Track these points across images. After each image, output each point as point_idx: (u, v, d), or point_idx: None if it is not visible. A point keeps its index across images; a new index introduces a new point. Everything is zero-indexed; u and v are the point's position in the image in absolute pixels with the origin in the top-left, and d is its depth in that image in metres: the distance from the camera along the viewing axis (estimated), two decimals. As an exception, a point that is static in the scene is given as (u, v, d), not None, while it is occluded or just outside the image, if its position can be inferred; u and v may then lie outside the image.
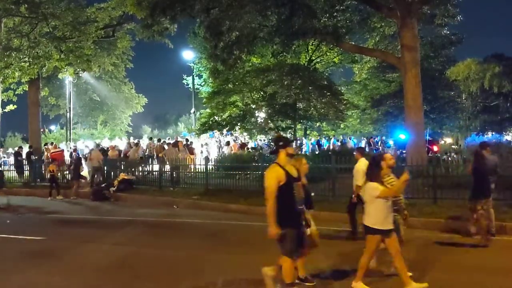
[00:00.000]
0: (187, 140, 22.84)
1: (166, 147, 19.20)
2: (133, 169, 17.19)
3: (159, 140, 22.84)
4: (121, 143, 26.26)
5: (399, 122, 21.60)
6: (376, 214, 5.33)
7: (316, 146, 24.94)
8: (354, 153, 9.29)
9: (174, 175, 16.08)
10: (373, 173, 5.49)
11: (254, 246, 8.14)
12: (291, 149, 5.24)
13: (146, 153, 20.95)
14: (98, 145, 21.80)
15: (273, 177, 4.87)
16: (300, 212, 5.18)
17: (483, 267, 6.40)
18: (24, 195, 16.55)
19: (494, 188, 8.32)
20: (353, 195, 8.16)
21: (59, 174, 17.78)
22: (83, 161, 18.14)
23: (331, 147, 24.92)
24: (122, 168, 17.33)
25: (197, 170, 15.96)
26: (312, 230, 7.67)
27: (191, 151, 19.79)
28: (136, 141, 22.45)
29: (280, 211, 4.84)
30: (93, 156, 17.58)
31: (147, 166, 17.81)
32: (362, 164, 7.84)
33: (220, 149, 23.34)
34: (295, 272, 5.37)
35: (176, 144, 18.43)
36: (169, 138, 27.87)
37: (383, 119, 25.44)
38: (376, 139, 28.17)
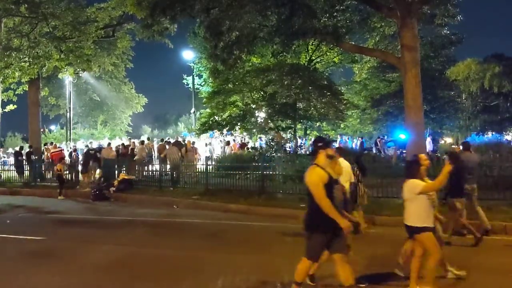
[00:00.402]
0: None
1: (167, 146, 19.22)
2: (140, 169, 17.18)
3: (161, 140, 22.87)
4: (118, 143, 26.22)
5: (399, 122, 21.59)
6: (418, 212, 5.19)
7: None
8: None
9: (175, 174, 16.10)
10: (412, 171, 5.37)
11: (254, 246, 8.15)
12: (331, 150, 5.11)
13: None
14: (109, 144, 21.92)
15: (316, 178, 4.75)
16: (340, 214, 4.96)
17: (477, 266, 6.40)
18: (24, 195, 16.55)
19: (477, 187, 8.38)
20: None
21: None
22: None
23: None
24: (126, 167, 17.37)
25: (197, 170, 15.98)
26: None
27: (195, 151, 19.85)
28: (140, 140, 22.37)
29: (317, 214, 4.74)
30: (104, 154, 17.93)
31: (153, 166, 17.79)
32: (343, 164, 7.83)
33: (224, 148, 23.37)
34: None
35: (177, 143, 18.48)
36: (169, 138, 27.87)
37: (383, 119, 25.43)
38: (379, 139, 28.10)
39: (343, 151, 9.03)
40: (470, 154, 8.63)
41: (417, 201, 5.19)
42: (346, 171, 8.13)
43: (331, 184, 4.81)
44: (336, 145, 23.26)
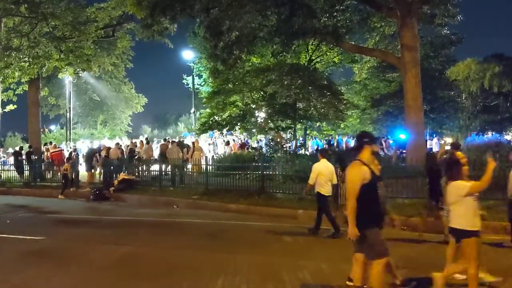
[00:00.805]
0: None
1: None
2: (147, 168, 17.20)
3: (164, 140, 22.85)
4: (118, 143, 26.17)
5: (399, 122, 21.59)
6: (466, 214, 4.85)
7: (327, 146, 24.31)
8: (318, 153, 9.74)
9: (177, 174, 16.05)
10: (455, 172, 5.06)
11: (254, 246, 8.15)
12: (377, 146, 4.95)
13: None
14: (117, 143, 21.94)
15: (357, 174, 4.54)
16: (384, 212, 4.86)
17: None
18: (24, 195, 16.54)
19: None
20: (304, 191, 9.08)
21: (58, 173, 17.87)
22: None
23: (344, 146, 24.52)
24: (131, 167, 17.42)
25: (196, 170, 15.98)
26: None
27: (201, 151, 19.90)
28: (146, 139, 22.32)
29: (363, 212, 4.52)
30: (112, 153, 18.04)
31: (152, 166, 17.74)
32: (320, 164, 8.70)
33: (224, 148, 23.37)
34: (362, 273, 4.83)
35: (179, 143, 18.52)
36: (168, 138, 27.86)
37: (383, 119, 25.43)
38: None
39: (327, 153, 9.42)
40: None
41: (464, 203, 4.88)
42: (329, 172, 8.67)
43: (374, 182, 4.58)
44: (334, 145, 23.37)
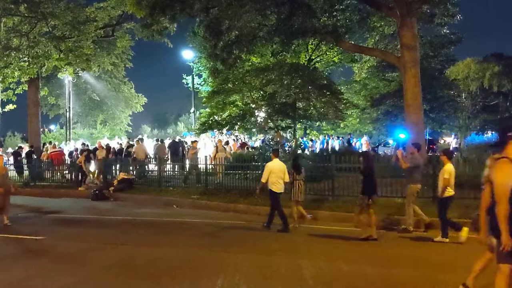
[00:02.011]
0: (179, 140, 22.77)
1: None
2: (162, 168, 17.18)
3: (157, 140, 22.75)
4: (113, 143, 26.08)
5: (399, 122, 21.58)
6: None
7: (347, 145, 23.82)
8: (271, 154, 10.31)
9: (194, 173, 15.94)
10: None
11: (254, 245, 8.16)
12: None
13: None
14: (141, 139, 21.78)
15: (507, 174, 3.95)
16: None
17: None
18: (24, 195, 16.53)
19: (424, 187, 9.19)
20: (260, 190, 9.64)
21: (58, 173, 17.87)
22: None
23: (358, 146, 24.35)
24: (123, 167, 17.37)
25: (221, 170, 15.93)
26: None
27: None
28: (156, 139, 22.21)
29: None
30: (138, 150, 18.14)
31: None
32: (273, 163, 9.42)
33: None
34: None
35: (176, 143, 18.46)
36: (170, 138, 27.85)
37: (383, 118, 25.42)
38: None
39: (277, 152, 10.10)
40: (417, 154, 9.19)
41: None
42: (281, 170, 9.34)
43: None
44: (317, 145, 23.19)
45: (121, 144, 22.75)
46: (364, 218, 8.50)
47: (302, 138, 26.22)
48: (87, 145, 23.12)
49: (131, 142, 23.17)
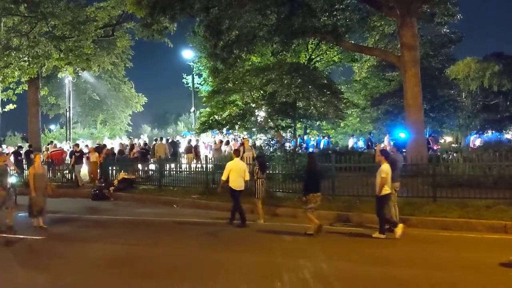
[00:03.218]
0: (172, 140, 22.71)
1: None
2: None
3: (155, 140, 22.60)
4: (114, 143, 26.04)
5: (399, 121, 21.57)
6: None
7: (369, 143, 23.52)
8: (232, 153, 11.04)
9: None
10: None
11: (254, 245, 8.16)
12: None
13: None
14: (161, 138, 21.75)
15: None
16: None
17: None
18: (24, 195, 16.49)
19: (401, 186, 9.39)
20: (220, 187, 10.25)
21: (58, 173, 17.87)
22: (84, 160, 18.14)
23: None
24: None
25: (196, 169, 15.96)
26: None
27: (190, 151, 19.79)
28: (161, 138, 22.16)
29: None
30: (158, 148, 18.13)
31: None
32: (233, 162, 10.06)
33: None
34: None
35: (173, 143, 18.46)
36: (172, 138, 27.79)
37: (383, 118, 25.38)
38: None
39: (238, 153, 10.80)
40: (398, 154, 9.56)
41: None
42: (240, 169, 9.98)
43: None
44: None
45: (123, 144, 22.69)
46: (312, 214, 8.86)
47: (301, 136, 26.20)
48: (85, 145, 23.13)
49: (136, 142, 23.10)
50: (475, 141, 21.40)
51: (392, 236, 8.22)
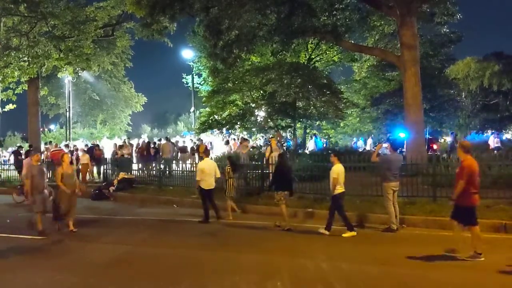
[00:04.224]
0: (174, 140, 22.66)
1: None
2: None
3: (159, 140, 22.65)
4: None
5: (399, 121, 21.55)
6: None
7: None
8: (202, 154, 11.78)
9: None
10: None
11: (254, 244, 8.16)
12: None
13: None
14: (166, 137, 21.73)
15: None
16: None
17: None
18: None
19: (401, 185, 9.39)
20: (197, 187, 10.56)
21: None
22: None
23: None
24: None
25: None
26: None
27: (184, 150, 19.75)
28: (166, 137, 22.10)
29: None
30: (164, 148, 18.16)
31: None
32: (203, 162, 10.59)
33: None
34: None
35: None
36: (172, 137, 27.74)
37: (383, 117, 25.37)
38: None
39: (208, 152, 11.48)
40: (397, 154, 9.58)
41: None
42: (211, 169, 10.37)
43: None
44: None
45: (116, 144, 22.50)
46: (283, 211, 9.30)
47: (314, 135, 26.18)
48: (85, 145, 23.05)
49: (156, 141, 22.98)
50: (493, 140, 21.27)
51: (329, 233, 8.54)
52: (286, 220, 9.23)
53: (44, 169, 10.12)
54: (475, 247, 6.68)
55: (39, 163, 9.93)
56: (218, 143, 22.58)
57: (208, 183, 10.31)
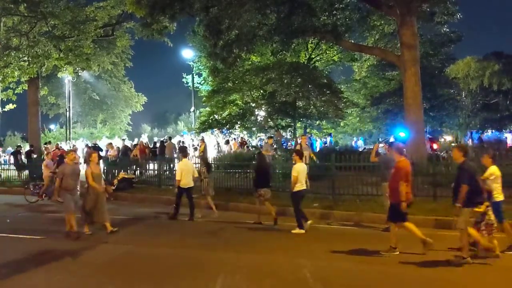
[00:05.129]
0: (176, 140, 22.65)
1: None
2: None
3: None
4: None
5: (399, 120, 21.58)
6: None
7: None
8: (180, 154, 12.06)
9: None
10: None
11: (254, 245, 8.15)
12: None
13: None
14: (170, 137, 21.76)
15: None
16: None
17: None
18: (24, 194, 16.49)
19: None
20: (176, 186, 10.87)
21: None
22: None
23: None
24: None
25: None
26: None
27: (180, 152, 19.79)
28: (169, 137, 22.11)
29: None
30: (166, 148, 18.39)
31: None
32: (182, 163, 10.92)
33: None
34: None
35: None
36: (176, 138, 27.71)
37: (383, 117, 25.41)
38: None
39: (185, 153, 11.73)
40: (390, 153, 9.44)
41: None
42: (189, 169, 10.79)
43: None
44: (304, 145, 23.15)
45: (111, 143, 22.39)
46: (263, 208, 9.80)
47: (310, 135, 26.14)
48: (85, 145, 23.03)
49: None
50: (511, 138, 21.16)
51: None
52: (259, 216, 9.78)
53: (78, 170, 9.54)
54: (394, 242, 6.99)
55: (74, 163, 9.46)
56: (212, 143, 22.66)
57: (186, 182, 10.67)
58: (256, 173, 10.33)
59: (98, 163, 9.85)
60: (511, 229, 7.12)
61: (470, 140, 23.15)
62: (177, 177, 10.75)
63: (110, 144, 21.23)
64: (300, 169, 9.02)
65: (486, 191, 6.90)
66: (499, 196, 7.04)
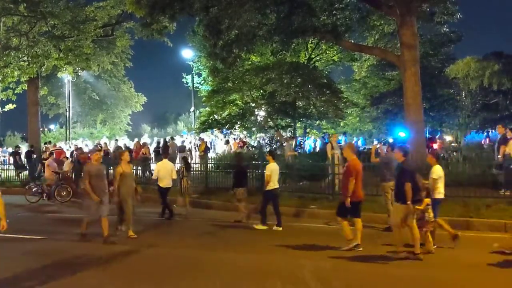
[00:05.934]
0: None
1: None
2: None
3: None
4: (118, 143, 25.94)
5: (399, 120, 21.57)
6: None
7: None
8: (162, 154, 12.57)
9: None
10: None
11: (254, 245, 8.16)
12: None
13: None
14: (172, 137, 21.79)
15: None
16: None
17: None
18: (24, 194, 16.48)
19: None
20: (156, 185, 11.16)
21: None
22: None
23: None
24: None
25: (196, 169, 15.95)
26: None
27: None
28: (171, 137, 22.10)
29: None
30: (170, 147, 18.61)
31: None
32: (161, 163, 11.18)
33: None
34: None
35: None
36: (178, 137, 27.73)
37: (383, 117, 25.40)
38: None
39: (167, 154, 12.36)
40: (393, 154, 9.44)
41: None
42: (168, 169, 10.97)
43: None
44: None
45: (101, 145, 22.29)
46: (242, 207, 10.13)
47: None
48: (85, 145, 22.99)
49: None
50: None
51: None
52: (242, 214, 10.09)
53: (103, 170, 9.14)
54: (357, 238, 7.31)
55: (99, 163, 8.96)
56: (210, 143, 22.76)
57: (165, 183, 10.91)
58: (233, 174, 10.69)
59: (129, 162, 9.40)
60: (445, 224, 7.52)
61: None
62: (153, 176, 11.20)
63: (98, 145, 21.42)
64: (273, 169, 9.31)
65: (425, 189, 7.22)
66: (440, 194, 7.44)
